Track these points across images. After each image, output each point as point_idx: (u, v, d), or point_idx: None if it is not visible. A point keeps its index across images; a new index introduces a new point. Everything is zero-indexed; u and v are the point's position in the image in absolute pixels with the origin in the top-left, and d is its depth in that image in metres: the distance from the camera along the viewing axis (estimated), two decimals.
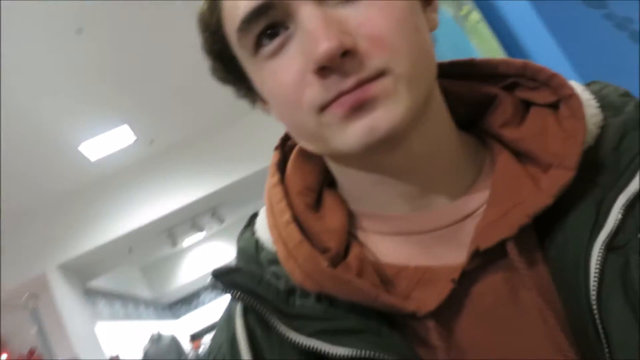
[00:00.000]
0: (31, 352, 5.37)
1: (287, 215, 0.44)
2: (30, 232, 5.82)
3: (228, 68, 0.46)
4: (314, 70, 0.37)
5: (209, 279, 0.46)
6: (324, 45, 0.36)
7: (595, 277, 0.38)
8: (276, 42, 0.39)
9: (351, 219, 0.47)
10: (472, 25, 1.28)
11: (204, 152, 6.25)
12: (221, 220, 6.97)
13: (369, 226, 0.47)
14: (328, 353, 0.39)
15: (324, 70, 0.37)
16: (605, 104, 0.46)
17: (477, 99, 0.49)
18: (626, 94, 0.48)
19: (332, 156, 0.46)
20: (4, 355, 3.86)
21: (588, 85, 0.50)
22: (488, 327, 0.41)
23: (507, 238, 0.40)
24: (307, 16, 0.37)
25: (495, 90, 0.47)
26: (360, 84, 0.37)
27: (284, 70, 0.39)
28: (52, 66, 4.11)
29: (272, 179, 0.49)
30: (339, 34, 0.36)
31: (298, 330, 0.40)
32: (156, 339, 6.56)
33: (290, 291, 0.44)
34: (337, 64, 0.37)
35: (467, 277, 0.42)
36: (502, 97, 0.47)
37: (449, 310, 0.41)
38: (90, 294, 7.03)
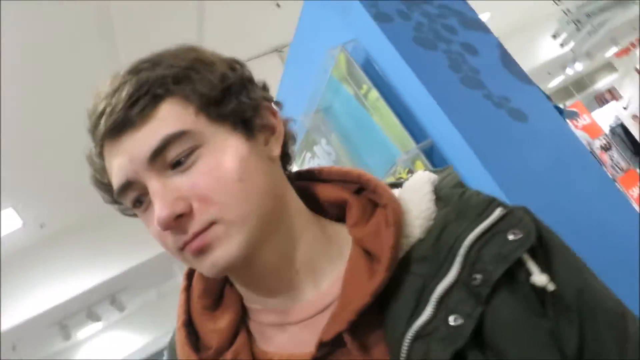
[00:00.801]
0: None
1: (180, 320, 0.54)
2: None
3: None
4: (163, 227, 0.47)
5: None
6: (159, 216, 0.46)
7: None
8: (143, 206, 0.50)
9: (248, 310, 0.56)
10: (372, 103, 1.37)
11: (101, 235, 5.89)
12: (121, 308, 6.48)
13: (257, 317, 0.55)
14: None
15: (169, 227, 0.47)
16: (440, 196, 0.53)
17: (339, 201, 0.57)
18: (457, 185, 0.55)
19: None
20: None
21: (441, 170, 0.58)
22: None
23: (342, 331, 0.47)
24: (152, 189, 0.47)
25: (346, 196, 0.56)
26: (196, 235, 0.47)
27: (151, 224, 0.50)
28: None
29: (182, 285, 0.58)
30: (173, 203, 0.46)
31: None
32: None
33: None
34: (174, 225, 0.47)
35: None
36: (351, 202, 0.55)
37: None
38: None
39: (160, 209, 0.46)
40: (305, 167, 2.05)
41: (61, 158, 4.83)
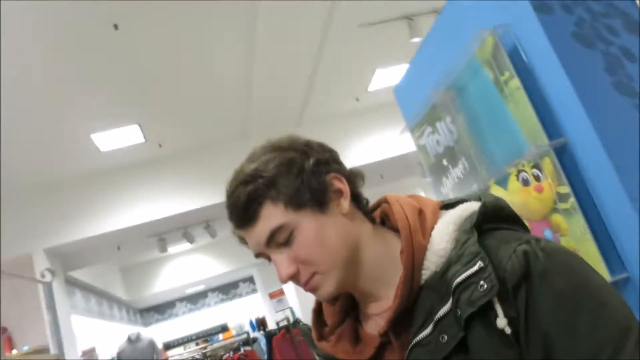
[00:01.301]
0: (2, 330, 5.28)
1: (314, 305, 0.84)
2: (26, 211, 5.81)
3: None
4: (285, 282, 0.74)
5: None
6: (281, 277, 0.72)
7: None
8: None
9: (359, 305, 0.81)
10: (511, 91, 1.37)
11: (209, 165, 6.31)
12: (213, 235, 6.97)
13: (362, 309, 0.79)
14: None
15: (287, 282, 0.74)
16: (458, 236, 0.68)
17: (398, 228, 0.75)
18: (468, 231, 0.67)
19: None
20: None
21: (478, 199, 0.72)
22: None
23: (387, 329, 0.69)
24: (273, 260, 0.73)
25: (399, 227, 0.74)
26: (306, 283, 0.73)
27: None
28: (82, 55, 4.20)
29: None
30: (287, 267, 0.72)
31: None
32: (134, 339, 6.45)
33: None
34: (290, 280, 0.73)
35: (384, 346, 0.71)
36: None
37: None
38: (69, 284, 6.96)
39: (281, 274, 0.72)
40: (423, 140, 2.07)
41: (189, 91, 5.20)
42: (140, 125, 5.49)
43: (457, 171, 1.84)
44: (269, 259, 0.74)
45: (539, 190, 1.40)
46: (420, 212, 0.73)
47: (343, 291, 0.76)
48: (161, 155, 6.30)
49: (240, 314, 11.69)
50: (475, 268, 0.62)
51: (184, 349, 8.46)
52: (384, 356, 0.72)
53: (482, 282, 0.60)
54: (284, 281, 0.73)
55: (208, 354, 7.05)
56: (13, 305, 5.03)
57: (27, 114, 4.66)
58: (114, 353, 6.54)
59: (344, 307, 0.80)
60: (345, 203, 0.74)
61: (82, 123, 5.13)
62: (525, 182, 1.45)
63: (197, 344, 8.35)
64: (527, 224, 1.46)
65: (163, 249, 6.83)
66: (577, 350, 0.57)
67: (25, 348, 5.03)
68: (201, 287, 12.80)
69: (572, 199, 1.27)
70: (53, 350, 2.09)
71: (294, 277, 0.72)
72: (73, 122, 5.07)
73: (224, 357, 6.05)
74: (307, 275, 0.72)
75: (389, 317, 0.68)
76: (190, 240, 6.92)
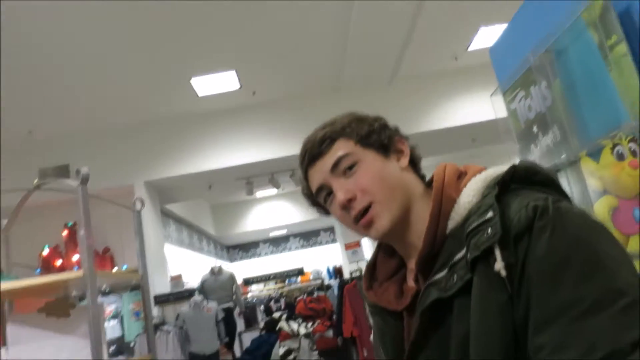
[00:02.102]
0: (105, 250, 5.91)
1: (370, 261, 0.92)
2: (131, 146, 6.31)
3: (321, 206, 0.89)
4: (341, 207, 0.81)
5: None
6: (338, 198, 0.79)
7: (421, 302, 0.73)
8: (330, 198, 0.84)
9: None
10: (617, 57, 1.26)
11: (298, 115, 6.42)
12: (297, 183, 7.14)
13: (408, 266, 0.85)
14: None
15: (345, 207, 0.80)
16: (483, 192, 0.73)
17: None
18: (490, 186, 0.72)
19: None
20: (76, 256, 4.29)
21: (512, 164, 0.73)
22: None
23: (416, 274, 0.77)
24: (334, 186, 0.81)
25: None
26: (362, 213, 0.79)
27: (335, 210, 0.84)
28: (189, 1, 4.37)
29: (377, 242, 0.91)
30: (345, 192, 0.79)
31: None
32: (217, 272, 6.94)
33: None
34: (347, 205, 0.79)
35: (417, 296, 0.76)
36: None
37: (413, 308, 0.77)
38: (164, 216, 7.55)
39: (339, 196, 0.79)
40: (515, 104, 1.98)
41: (285, 41, 5.26)
42: (237, 71, 5.67)
43: (547, 139, 1.75)
44: (326, 196, 0.83)
45: (635, 166, 1.31)
46: (462, 174, 0.79)
47: (394, 236, 0.82)
48: (254, 103, 6.50)
49: (318, 261, 12.09)
50: (486, 217, 0.67)
51: (264, 285, 8.95)
52: None
53: (489, 229, 0.65)
54: (341, 204, 0.79)
55: (284, 293, 7.42)
56: (116, 228, 5.59)
57: (136, 55, 4.98)
58: (198, 282, 7.07)
59: (396, 266, 0.88)
60: (405, 160, 0.84)
61: (184, 66, 5.40)
62: (620, 157, 1.36)
63: (275, 283, 8.78)
64: (615, 200, 1.38)
65: (250, 192, 7.15)
66: (549, 301, 0.59)
67: (124, 267, 5.60)
68: (284, 232, 13.33)
69: None
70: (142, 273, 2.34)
71: (350, 203, 0.79)
72: (176, 65, 5.36)
73: (298, 298, 6.33)
74: (364, 203, 0.78)
75: (416, 260, 0.75)
76: (276, 185, 7.17)
